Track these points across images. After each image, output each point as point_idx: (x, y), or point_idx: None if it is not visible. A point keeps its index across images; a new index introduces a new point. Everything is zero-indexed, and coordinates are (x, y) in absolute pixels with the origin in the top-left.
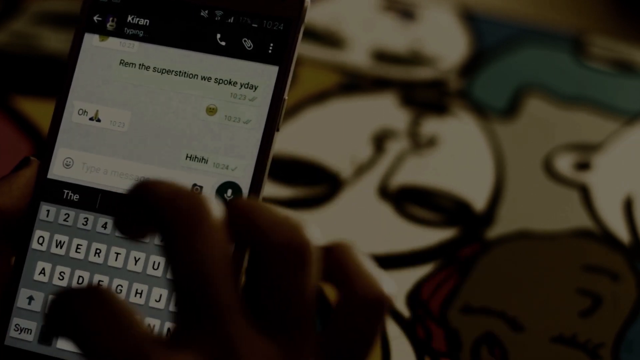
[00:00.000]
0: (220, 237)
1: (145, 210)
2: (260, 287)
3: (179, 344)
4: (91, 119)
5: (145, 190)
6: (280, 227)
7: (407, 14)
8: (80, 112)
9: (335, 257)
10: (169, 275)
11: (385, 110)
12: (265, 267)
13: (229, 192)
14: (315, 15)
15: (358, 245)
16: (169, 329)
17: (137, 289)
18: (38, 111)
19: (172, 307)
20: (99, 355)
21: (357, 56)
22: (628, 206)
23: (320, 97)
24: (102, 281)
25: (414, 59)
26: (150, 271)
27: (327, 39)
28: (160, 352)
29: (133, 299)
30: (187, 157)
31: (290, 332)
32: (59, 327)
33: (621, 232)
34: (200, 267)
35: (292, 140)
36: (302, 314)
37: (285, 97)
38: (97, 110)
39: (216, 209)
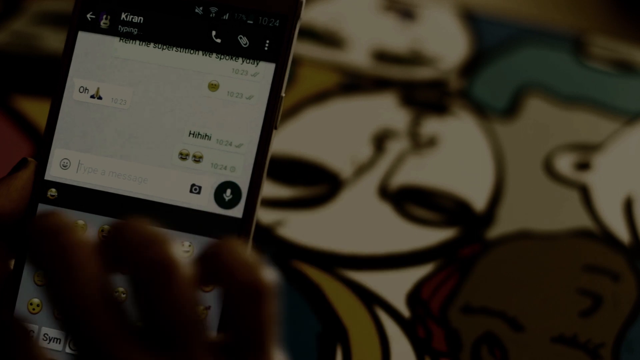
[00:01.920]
0: (89, 266)
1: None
2: (134, 307)
3: None
4: (92, 96)
5: (29, 228)
6: (143, 246)
7: (407, 14)
8: (82, 89)
9: (212, 256)
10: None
11: (385, 110)
12: (131, 286)
13: (228, 192)
14: (315, 15)
15: (355, 247)
16: None
17: None
18: (38, 111)
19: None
20: None
21: (357, 56)
22: (628, 206)
23: (320, 97)
24: None
25: (414, 59)
26: None
27: (327, 39)
28: None
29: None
30: (190, 133)
31: (172, 344)
32: None
33: (621, 232)
34: (74, 301)
35: (292, 140)
36: (179, 325)
37: (283, 94)
38: (98, 88)
39: (86, 241)
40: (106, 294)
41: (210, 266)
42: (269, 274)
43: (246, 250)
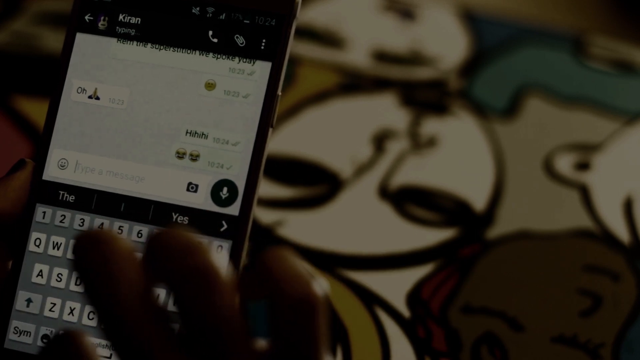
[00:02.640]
0: (132, 277)
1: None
2: (177, 317)
3: None
4: (90, 96)
5: (75, 242)
6: (185, 255)
7: (407, 14)
8: (80, 90)
9: (264, 265)
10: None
11: (385, 110)
12: (174, 296)
13: (225, 190)
14: (315, 15)
15: (355, 247)
16: None
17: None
18: (38, 111)
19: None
20: None
21: (357, 56)
22: (628, 206)
23: (320, 97)
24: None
25: (414, 59)
26: None
27: (327, 39)
28: None
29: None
30: (187, 132)
31: (215, 352)
32: None
33: (621, 232)
34: (114, 316)
35: (292, 140)
36: (221, 338)
37: (279, 93)
38: (96, 88)
39: (127, 249)
40: (149, 303)
41: (261, 277)
42: (320, 286)
43: (298, 261)
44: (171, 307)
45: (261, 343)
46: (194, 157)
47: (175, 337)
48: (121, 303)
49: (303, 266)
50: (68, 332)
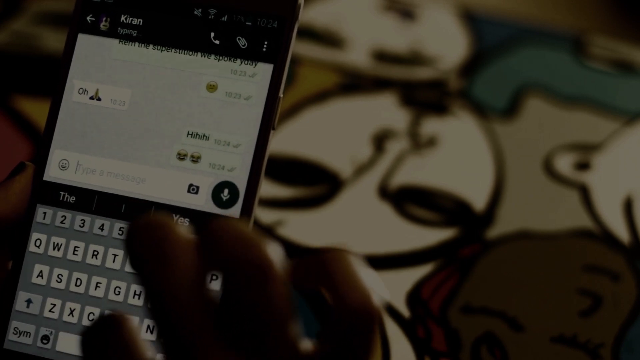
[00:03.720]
0: (186, 263)
1: (125, 249)
2: (227, 306)
3: None
4: (91, 97)
5: (128, 228)
6: (241, 245)
7: (407, 14)
8: (81, 91)
9: (326, 265)
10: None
11: (385, 110)
12: (228, 285)
13: (226, 192)
14: (315, 15)
15: (355, 247)
16: None
17: (135, 291)
18: (38, 111)
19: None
20: None
21: (357, 56)
22: (628, 206)
23: (320, 97)
24: (100, 283)
25: (414, 59)
26: None
27: (327, 39)
28: None
29: (131, 300)
30: (188, 134)
31: (262, 350)
32: None
33: (621, 232)
34: (168, 299)
35: (292, 140)
36: (271, 331)
37: (281, 95)
38: (98, 89)
39: (183, 235)
40: (200, 291)
41: (321, 278)
42: (380, 298)
43: (359, 265)
44: (223, 299)
45: (307, 342)
46: (195, 159)
47: (224, 330)
48: (173, 290)
49: (364, 271)
50: (113, 316)
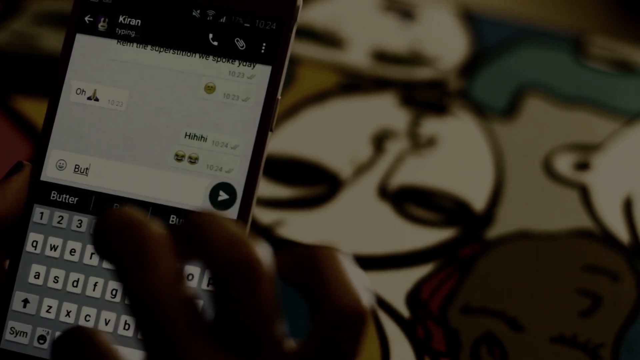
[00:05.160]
0: (168, 265)
1: (96, 245)
2: (215, 306)
3: None
4: (89, 98)
5: (98, 223)
6: (230, 244)
7: (407, 14)
8: (79, 91)
9: (317, 262)
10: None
11: (385, 110)
12: (216, 285)
13: (223, 193)
14: (315, 15)
15: (355, 247)
16: None
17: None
18: (38, 111)
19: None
20: None
21: (357, 56)
22: (628, 206)
23: (320, 97)
24: (97, 284)
25: (414, 59)
26: None
27: (327, 39)
28: None
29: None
30: (186, 135)
31: (248, 348)
32: None
33: (621, 232)
34: (149, 299)
35: (292, 140)
36: (258, 331)
37: (279, 96)
38: (95, 90)
39: (160, 234)
40: (181, 291)
41: (310, 278)
42: (369, 299)
43: (351, 266)
44: (202, 295)
45: (292, 342)
46: (193, 160)
47: (206, 327)
48: (153, 291)
49: (353, 271)
50: (80, 330)
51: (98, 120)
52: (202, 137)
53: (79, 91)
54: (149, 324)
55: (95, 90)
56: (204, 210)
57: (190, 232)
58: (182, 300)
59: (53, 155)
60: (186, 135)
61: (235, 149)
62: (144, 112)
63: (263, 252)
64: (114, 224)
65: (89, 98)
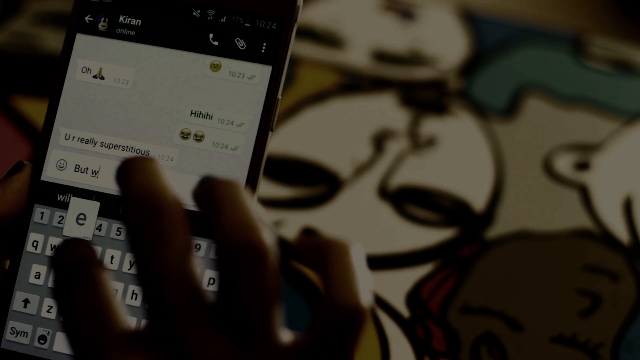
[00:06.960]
0: (181, 239)
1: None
2: (217, 286)
3: (140, 344)
4: (95, 76)
5: (120, 182)
6: (241, 226)
7: (407, 14)
8: (84, 69)
9: (328, 255)
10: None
11: (385, 110)
12: (221, 264)
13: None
14: (314, 15)
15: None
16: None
17: (132, 291)
18: (38, 111)
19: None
20: (71, 335)
21: (356, 56)
22: (628, 206)
23: (320, 97)
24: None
25: (414, 59)
26: None
27: (327, 39)
28: (122, 351)
29: (129, 301)
30: (192, 113)
31: (247, 334)
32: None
33: (621, 232)
34: (159, 273)
35: (292, 140)
36: (257, 318)
37: (279, 96)
38: (101, 68)
39: (176, 204)
40: (190, 267)
41: (323, 273)
42: (370, 301)
43: (359, 264)
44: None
45: (289, 333)
46: (199, 138)
47: (206, 308)
48: (163, 267)
49: (362, 271)
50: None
51: (104, 98)
52: (207, 114)
53: (84, 69)
54: (155, 297)
55: (100, 68)
56: (222, 180)
57: (204, 205)
58: (189, 279)
59: (54, 155)
60: (192, 113)
61: (240, 126)
62: (149, 90)
63: (270, 238)
64: (134, 189)
65: (94, 76)
